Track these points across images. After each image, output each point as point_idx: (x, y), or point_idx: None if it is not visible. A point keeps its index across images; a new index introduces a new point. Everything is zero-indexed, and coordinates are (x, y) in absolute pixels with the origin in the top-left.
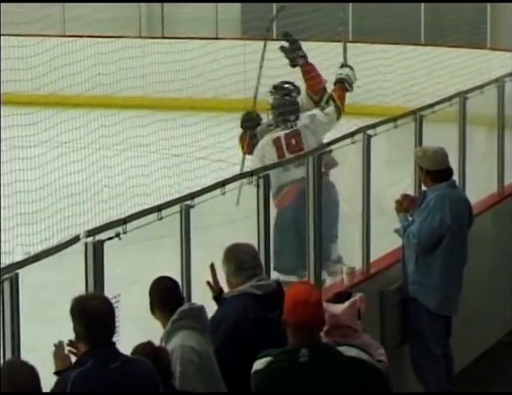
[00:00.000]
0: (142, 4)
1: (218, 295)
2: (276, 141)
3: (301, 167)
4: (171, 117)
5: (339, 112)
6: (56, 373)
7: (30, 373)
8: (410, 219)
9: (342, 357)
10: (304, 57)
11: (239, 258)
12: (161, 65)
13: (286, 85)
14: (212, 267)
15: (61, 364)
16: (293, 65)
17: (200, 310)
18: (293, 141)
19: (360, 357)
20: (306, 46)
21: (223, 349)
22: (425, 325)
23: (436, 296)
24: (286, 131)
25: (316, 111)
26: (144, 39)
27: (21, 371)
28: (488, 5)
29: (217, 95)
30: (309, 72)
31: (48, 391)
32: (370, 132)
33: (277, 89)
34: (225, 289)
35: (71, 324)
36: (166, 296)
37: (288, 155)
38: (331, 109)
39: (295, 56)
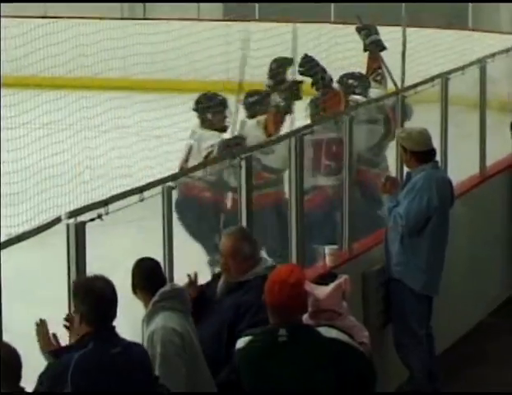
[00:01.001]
0: None
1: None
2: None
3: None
4: (153, 98)
5: None
6: (50, 353)
7: (12, 354)
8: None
9: (320, 338)
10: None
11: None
12: (143, 46)
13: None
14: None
15: (44, 343)
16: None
17: (182, 292)
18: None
19: (340, 338)
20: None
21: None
22: (409, 306)
23: (421, 277)
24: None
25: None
26: (125, 21)
27: (4, 352)
28: None
29: (199, 77)
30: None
31: (40, 371)
32: (352, 113)
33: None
34: None
35: (53, 304)
36: (148, 277)
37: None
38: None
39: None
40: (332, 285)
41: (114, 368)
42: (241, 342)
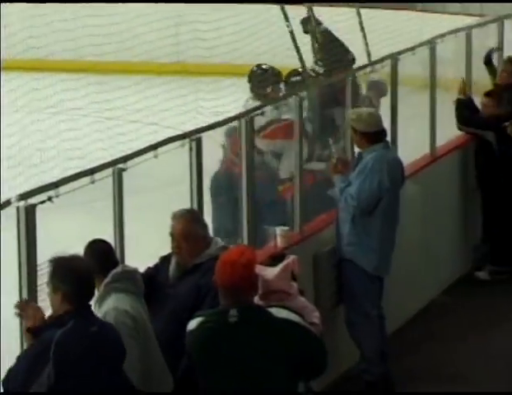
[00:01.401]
0: None
1: None
2: None
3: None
4: (104, 80)
5: None
6: (28, 331)
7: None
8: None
9: (271, 318)
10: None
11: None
12: (94, 28)
13: None
14: None
15: (34, 319)
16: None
17: (134, 273)
18: None
19: (291, 319)
20: None
21: None
22: (361, 286)
23: (373, 258)
24: None
25: None
26: (76, 3)
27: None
28: None
29: (150, 58)
30: None
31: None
32: (302, 94)
33: None
34: None
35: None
36: (101, 259)
37: None
38: None
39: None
40: (280, 266)
41: (93, 346)
42: (193, 324)
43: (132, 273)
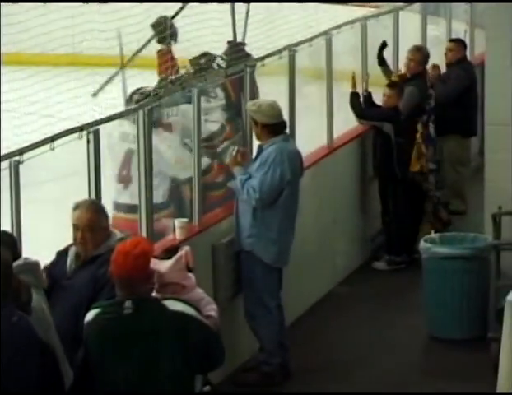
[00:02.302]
0: None
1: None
2: None
3: None
4: None
5: None
6: None
7: None
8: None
9: (164, 310)
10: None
11: None
12: None
13: None
14: None
15: None
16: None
17: (35, 265)
18: None
19: (185, 311)
20: None
21: None
22: (260, 277)
23: (273, 249)
24: None
25: None
26: None
27: None
28: None
29: (45, 50)
30: None
31: None
32: (201, 85)
33: None
34: None
35: None
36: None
37: None
38: None
39: None
40: (173, 259)
41: (15, 335)
42: (89, 315)
43: (33, 265)
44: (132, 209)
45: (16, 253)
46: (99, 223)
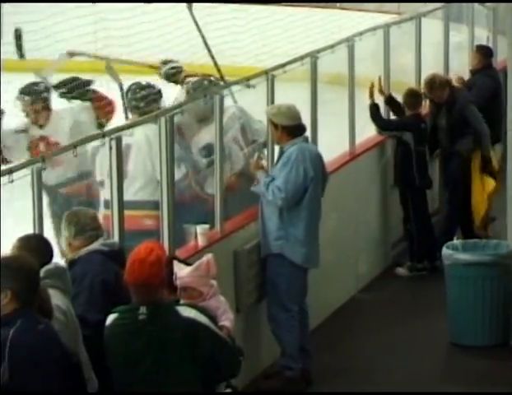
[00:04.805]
0: None
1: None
2: None
3: None
4: None
5: None
6: None
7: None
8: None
9: (177, 317)
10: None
11: (80, 221)
12: None
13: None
14: None
15: None
16: None
17: (65, 270)
18: None
19: (197, 318)
20: None
21: (92, 298)
22: (286, 281)
23: (301, 250)
24: None
25: None
26: None
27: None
28: None
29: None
30: None
31: None
32: (224, 92)
33: None
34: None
35: None
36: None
37: None
38: None
39: None
40: (194, 265)
41: (41, 344)
42: (109, 319)
43: (62, 270)
44: (131, 205)
45: (47, 259)
46: None
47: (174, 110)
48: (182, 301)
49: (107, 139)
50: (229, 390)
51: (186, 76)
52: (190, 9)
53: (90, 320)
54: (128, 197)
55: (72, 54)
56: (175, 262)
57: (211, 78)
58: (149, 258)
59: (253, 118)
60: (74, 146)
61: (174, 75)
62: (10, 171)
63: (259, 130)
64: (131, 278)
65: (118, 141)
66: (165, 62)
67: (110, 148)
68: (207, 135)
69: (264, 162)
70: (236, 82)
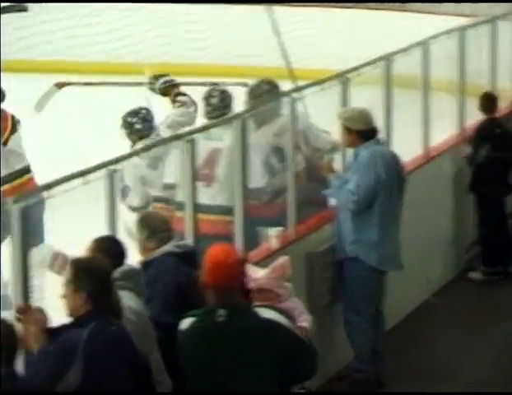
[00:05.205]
0: None
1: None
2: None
3: None
4: None
5: None
6: (47, 331)
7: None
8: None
9: (257, 318)
10: None
11: (152, 224)
12: None
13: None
14: None
15: (39, 322)
16: None
17: (138, 272)
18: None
19: (277, 320)
20: None
21: (165, 302)
22: (362, 284)
23: (375, 252)
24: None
25: None
26: None
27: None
28: None
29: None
30: None
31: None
32: (295, 95)
33: None
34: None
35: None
36: (114, 257)
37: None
38: None
39: None
40: (270, 266)
41: (114, 345)
42: (185, 323)
43: (136, 272)
44: (211, 209)
45: (120, 260)
46: None
47: (246, 114)
48: (256, 303)
49: (181, 141)
50: (303, 391)
51: (177, 95)
52: (269, 12)
53: (163, 323)
54: (217, 202)
55: (61, 85)
56: (248, 265)
57: (246, 82)
58: (228, 260)
59: (315, 125)
60: (148, 148)
61: (166, 88)
62: (84, 173)
63: (321, 137)
64: (210, 281)
65: (192, 143)
66: (157, 77)
67: (185, 151)
68: (263, 139)
69: (336, 165)
70: (310, 85)
